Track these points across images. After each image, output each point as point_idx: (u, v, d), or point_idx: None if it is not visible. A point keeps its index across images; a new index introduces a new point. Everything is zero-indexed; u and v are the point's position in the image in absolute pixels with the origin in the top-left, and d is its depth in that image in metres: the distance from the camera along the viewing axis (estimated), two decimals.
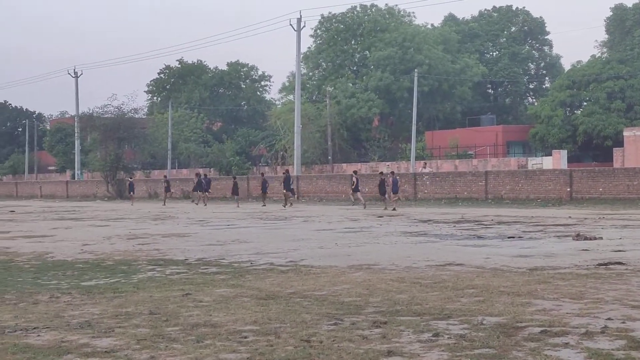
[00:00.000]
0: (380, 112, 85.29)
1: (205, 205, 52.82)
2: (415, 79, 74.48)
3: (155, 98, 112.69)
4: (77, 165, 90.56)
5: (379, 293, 11.92)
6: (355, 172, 51.52)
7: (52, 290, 13.15)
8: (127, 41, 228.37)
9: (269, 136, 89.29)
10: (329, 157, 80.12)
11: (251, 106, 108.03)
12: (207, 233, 26.07)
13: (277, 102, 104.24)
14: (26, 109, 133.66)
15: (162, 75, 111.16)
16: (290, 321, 9.71)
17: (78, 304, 11.62)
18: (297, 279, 13.87)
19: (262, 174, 57.27)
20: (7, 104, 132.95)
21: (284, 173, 53.24)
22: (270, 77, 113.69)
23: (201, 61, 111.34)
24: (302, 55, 79.57)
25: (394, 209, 41.06)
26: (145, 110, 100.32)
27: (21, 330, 9.60)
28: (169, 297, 11.94)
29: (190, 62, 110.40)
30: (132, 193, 63.22)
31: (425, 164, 63.07)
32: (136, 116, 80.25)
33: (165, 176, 67.07)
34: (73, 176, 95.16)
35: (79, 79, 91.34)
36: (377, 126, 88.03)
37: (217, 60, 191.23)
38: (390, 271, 14.68)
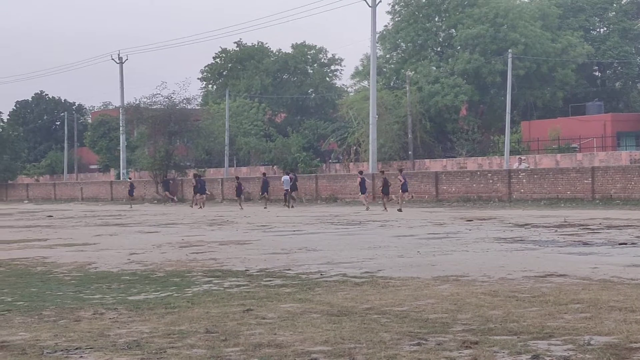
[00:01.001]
0: (468, 99, 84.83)
1: (201, 207, 57.39)
2: (510, 60, 73.88)
3: (210, 86, 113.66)
4: (122, 163, 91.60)
5: (469, 308, 11.88)
6: (360, 172, 55.04)
7: (96, 305, 13.33)
8: (177, 22, 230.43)
9: (340, 128, 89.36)
10: (410, 152, 79.87)
11: (319, 94, 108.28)
12: (270, 240, 26.20)
13: (350, 90, 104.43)
14: (65, 100, 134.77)
15: (217, 59, 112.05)
16: (367, 341, 9.72)
17: (125, 321, 11.77)
18: (374, 292, 13.87)
19: (264, 174, 63.74)
20: (44, 94, 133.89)
21: (291, 173, 58.90)
22: (342, 60, 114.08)
23: (262, 43, 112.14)
24: (378, 35, 79.52)
25: (400, 210, 44.54)
26: (199, 100, 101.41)
27: (62, 350, 9.75)
28: (228, 314, 12.03)
29: (249, 44, 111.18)
30: (132, 195, 68.87)
31: (521, 159, 62.54)
32: (189, 107, 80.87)
33: (165, 177, 71.26)
34: (118, 176, 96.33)
35: (123, 65, 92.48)
36: (465, 116, 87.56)
37: (280, 42, 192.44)
38: (481, 283, 14.61)
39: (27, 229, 37.20)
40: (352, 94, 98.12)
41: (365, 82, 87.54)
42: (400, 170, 49.35)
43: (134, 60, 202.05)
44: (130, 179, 69.32)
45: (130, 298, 14.06)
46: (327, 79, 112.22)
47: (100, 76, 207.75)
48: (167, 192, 63.95)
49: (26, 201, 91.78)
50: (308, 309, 12.24)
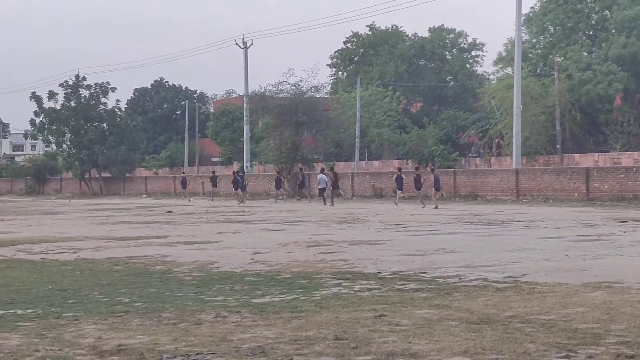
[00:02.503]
0: (624, 88, 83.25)
1: (242, 202, 61.64)
2: None
3: (340, 73, 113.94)
4: (246, 155, 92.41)
5: (623, 318, 11.71)
6: (399, 169, 59.32)
7: (218, 308, 13.53)
8: (305, 4, 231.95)
9: (481, 119, 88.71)
10: (558, 146, 78.86)
11: (459, 82, 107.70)
12: (404, 240, 26.21)
13: (492, 77, 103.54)
14: (186, 88, 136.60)
15: (348, 44, 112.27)
16: (510, 352, 9.66)
17: (249, 325, 11.92)
18: (518, 298, 13.78)
19: (301, 168, 69.77)
20: (164, 81, 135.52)
21: (331, 170, 62.20)
22: (483, 45, 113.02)
23: (397, 27, 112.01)
24: (523, 18, 78.64)
25: (436, 207, 48.41)
26: (329, 88, 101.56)
27: (182, 356, 9.92)
28: (359, 319, 12.08)
29: (383, 27, 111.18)
30: (185, 189, 76.43)
31: None
32: (317, 95, 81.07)
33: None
34: (241, 169, 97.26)
35: (248, 50, 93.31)
36: (619, 106, 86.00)
37: (416, 25, 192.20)
38: (637, 291, 14.39)
39: (145, 225, 37.94)
40: (494, 81, 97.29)
41: (509, 69, 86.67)
42: (432, 170, 54.36)
43: (259, 46, 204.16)
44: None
45: (254, 300, 14.23)
46: (467, 65, 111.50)
47: (223, 63, 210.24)
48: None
49: (144, 195, 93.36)
50: (445, 316, 12.22)
